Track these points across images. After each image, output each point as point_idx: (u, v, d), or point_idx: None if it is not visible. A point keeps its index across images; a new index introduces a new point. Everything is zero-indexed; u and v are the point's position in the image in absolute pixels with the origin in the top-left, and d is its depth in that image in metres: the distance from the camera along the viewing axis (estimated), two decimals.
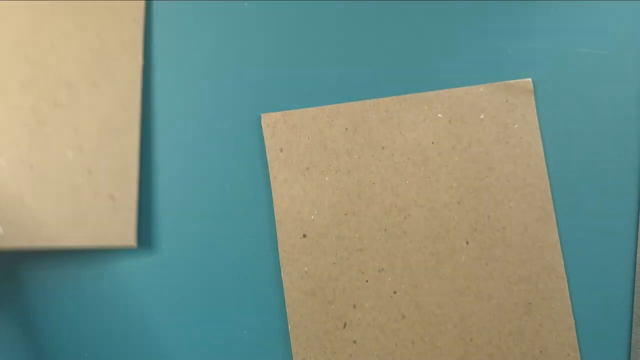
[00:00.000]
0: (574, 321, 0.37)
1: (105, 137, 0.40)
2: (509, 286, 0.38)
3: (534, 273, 0.38)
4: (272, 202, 0.40)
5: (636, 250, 0.38)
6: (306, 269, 0.39)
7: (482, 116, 0.39)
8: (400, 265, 0.39)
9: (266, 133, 0.41)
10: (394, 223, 0.39)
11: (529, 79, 0.40)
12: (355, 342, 0.38)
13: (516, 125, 0.39)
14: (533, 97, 0.39)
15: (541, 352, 0.37)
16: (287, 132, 0.41)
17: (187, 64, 0.42)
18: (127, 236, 0.39)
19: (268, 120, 0.41)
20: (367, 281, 0.39)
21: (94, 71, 0.41)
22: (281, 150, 0.40)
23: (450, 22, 0.41)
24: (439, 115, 0.40)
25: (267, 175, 0.40)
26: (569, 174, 0.39)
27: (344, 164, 0.40)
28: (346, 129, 0.40)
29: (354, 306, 0.39)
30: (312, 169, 0.40)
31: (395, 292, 0.38)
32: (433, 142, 0.40)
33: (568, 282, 0.38)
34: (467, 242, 0.38)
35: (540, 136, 0.39)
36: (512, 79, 0.40)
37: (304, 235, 0.39)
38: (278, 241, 0.39)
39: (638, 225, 0.38)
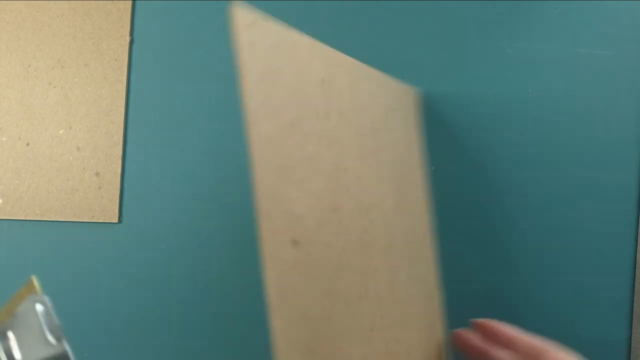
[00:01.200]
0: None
1: (93, 115, 0.42)
2: None
3: None
4: None
5: (636, 250, 0.38)
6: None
7: None
8: None
9: None
10: None
11: None
12: None
13: None
14: None
15: None
16: None
17: (185, 60, 0.43)
18: (110, 213, 0.41)
19: None
20: None
21: (85, 51, 0.43)
22: None
23: (450, 22, 0.41)
24: None
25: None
26: (569, 174, 0.39)
27: None
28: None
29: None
30: None
31: None
32: None
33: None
34: None
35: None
36: (512, 79, 0.40)
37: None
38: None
39: (638, 227, 0.38)
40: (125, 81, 0.42)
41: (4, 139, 0.42)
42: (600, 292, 0.37)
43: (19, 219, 0.42)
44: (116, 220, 0.41)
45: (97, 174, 0.41)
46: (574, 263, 0.38)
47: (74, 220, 0.41)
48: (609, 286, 0.38)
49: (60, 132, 0.42)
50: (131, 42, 0.42)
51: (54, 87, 0.42)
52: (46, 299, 0.20)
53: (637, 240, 0.38)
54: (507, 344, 0.31)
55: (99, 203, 0.41)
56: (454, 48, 0.41)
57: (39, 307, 0.19)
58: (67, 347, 0.19)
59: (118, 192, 0.41)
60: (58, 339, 0.19)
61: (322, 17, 0.42)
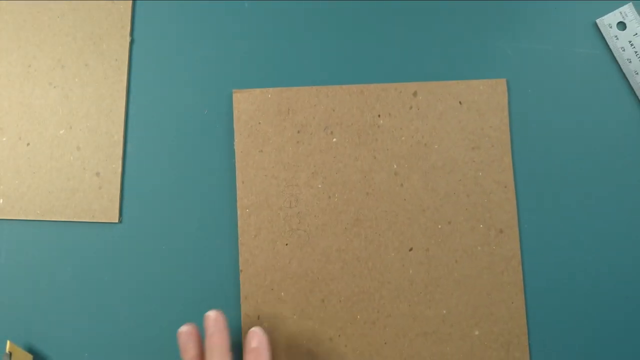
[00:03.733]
0: None
1: (93, 115, 0.42)
2: None
3: None
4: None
5: None
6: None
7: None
8: None
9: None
10: None
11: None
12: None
13: None
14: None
15: None
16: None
17: (185, 60, 0.42)
18: (110, 212, 0.41)
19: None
20: None
21: (85, 51, 0.43)
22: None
23: (450, 23, 0.41)
24: None
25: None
26: (568, 175, 0.39)
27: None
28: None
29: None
30: None
31: None
32: None
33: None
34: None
35: None
36: (512, 79, 0.40)
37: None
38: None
39: None
40: (125, 81, 0.42)
41: (4, 139, 0.42)
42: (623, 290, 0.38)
43: (19, 219, 0.41)
44: (116, 220, 0.41)
45: (98, 174, 0.41)
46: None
47: (74, 220, 0.41)
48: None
49: (61, 132, 0.42)
50: (131, 42, 0.43)
51: (54, 87, 0.42)
52: None
53: None
54: None
55: (99, 203, 0.41)
56: (454, 48, 0.41)
57: None
58: None
59: (118, 192, 0.41)
60: None
61: (322, 18, 0.42)
